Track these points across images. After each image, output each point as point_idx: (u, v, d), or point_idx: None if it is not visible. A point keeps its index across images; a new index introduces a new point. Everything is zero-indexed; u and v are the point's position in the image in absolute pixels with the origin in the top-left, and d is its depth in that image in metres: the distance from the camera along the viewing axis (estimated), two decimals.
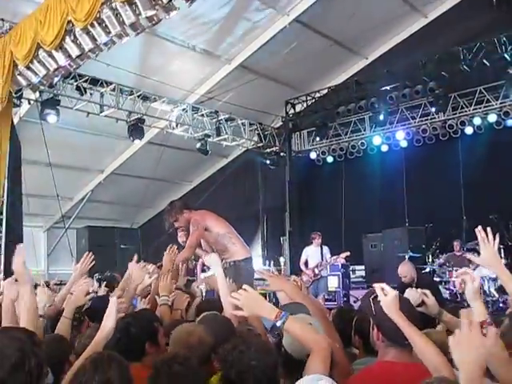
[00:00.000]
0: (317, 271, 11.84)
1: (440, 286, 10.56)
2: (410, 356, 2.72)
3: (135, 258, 4.74)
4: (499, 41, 11.69)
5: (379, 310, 2.73)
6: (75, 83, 11.51)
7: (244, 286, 2.85)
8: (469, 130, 13.13)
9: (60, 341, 3.34)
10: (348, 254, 11.70)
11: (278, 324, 2.71)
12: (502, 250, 11.87)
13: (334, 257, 11.82)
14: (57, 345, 3.21)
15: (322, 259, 11.90)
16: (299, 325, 2.74)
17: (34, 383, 2.17)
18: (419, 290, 3.39)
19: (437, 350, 2.52)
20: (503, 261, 11.87)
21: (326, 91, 14.95)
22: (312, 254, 12.14)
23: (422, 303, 3.28)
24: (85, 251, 14.87)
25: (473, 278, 2.83)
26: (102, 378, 2.30)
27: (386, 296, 2.69)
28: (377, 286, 2.77)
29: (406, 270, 7.87)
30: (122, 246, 14.23)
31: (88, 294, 4.10)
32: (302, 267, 12.12)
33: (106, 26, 7.41)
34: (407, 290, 3.44)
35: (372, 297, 2.82)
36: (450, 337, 2.04)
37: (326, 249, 12.21)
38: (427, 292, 3.36)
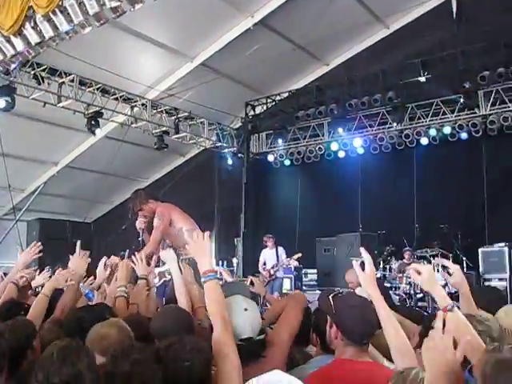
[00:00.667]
0: (272, 272, 12.08)
1: (390, 292, 10.73)
2: (367, 354, 2.76)
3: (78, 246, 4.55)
4: (458, 54, 11.99)
5: (339, 308, 2.76)
6: (33, 72, 11.25)
7: (206, 233, 2.99)
8: (424, 141, 13.40)
9: (25, 326, 3.11)
10: (300, 255, 11.88)
11: (202, 279, 2.84)
12: (451, 259, 12.19)
13: (288, 258, 12.04)
14: (21, 330, 3.00)
15: (278, 260, 12.14)
16: (216, 293, 2.79)
17: None
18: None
19: (405, 338, 2.58)
20: (451, 270, 12.16)
21: (286, 95, 15.05)
22: (268, 256, 12.41)
23: (370, 302, 3.34)
24: None
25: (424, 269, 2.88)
26: (71, 371, 2.14)
27: (365, 270, 2.87)
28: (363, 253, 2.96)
29: (352, 276, 7.97)
30: (74, 240, 13.89)
31: (70, 280, 4.03)
32: (261, 269, 12.36)
33: (68, 14, 7.27)
34: (357, 289, 3.49)
35: (331, 295, 2.85)
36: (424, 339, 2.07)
37: (281, 250, 12.42)
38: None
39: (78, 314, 3.39)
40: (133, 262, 4.56)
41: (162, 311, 3.65)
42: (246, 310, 2.79)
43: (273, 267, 12.14)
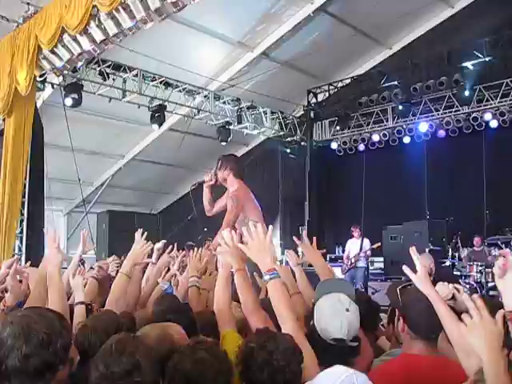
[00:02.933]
0: (353, 260, 12.40)
1: (460, 281, 10.48)
2: (435, 349, 2.68)
3: (160, 244, 4.56)
4: None
5: (406, 301, 2.70)
6: (98, 68, 11.53)
7: (258, 226, 2.91)
8: (493, 124, 12.92)
9: (113, 318, 3.15)
10: (379, 244, 12.28)
11: (265, 278, 2.79)
12: None
13: (367, 247, 12.46)
14: (108, 321, 3.05)
15: (361, 250, 12.49)
16: (280, 292, 2.75)
17: (57, 365, 2.17)
18: (451, 285, 3.34)
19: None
20: None
21: (348, 81, 14.85)
22: (353, 246, 12.74)
23: (452, 298, 3.24)
24: (105, 235, 14.97)
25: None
26: (130, 361, 2.20)
27: (418, 271, 2.67)
28: (412, 254, 2.74)
29: (425, 261, 7.85)
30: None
31: (149, 256, 4.00)
32: (345, 260, 12.73)
33: (130, 10, 7.39)
34: (438, 284, 3.39)
35: (399, 287, 2.79)
36: (461, 324, 2.10)
37: (366, 241, 12.70)
38: (460, 287, 3.32)
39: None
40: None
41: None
42: (347, 310, 2.71)
43: (354, 256, 12.38)
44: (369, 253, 12.53)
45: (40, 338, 2.06)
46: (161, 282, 4.49)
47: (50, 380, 2.15)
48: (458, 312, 3.24)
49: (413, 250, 2.77)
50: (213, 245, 5.29)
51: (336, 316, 2.63)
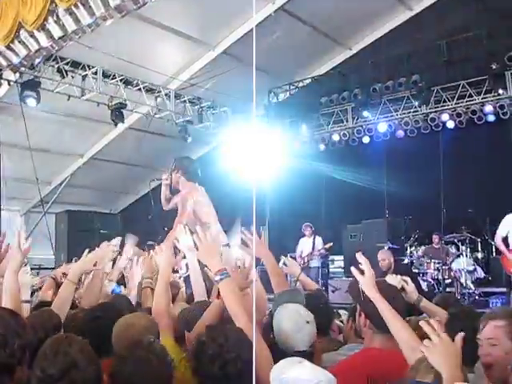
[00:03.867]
0: (306, 260, 12.34)
1: (418, 278, 10.67)
2: (396, 343, 2.73)
3: (115, 240, 4.56)
4: (483, 35, 11.77)
5: (367, 297, 2.74)
6: (56, 65, 11.34)
7: (207, 235, 3.08)
8: (450, 124, 13.17)
9: (50, 317, 3.16)
10: (331, 244, 12.05)
11: (216, 278, 2.86)
12: (479, 244, 12.06)
13: (320, 246, 12.39)
14: (47, 321, 3.05)
15: (313, 249, 12.42)
16: (232, 290, 2.81)
17: (14, 366, 2.12)
18: (399, 276, 3.42)
19: (413, 334, 2.56)
20: (479, 254, 12.06)
21: (309, 81, 14.93)
22: (305, 244, 12.74)
23: (402, 289, 3.31)
24: (64, 236, 14.72)
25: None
26: (66, 359, 2.19)
27: (364, 275, 2.80)
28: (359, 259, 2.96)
29: (385, 255, 8.07)
30: (101, 231, 14.09)
31: (95, 265, 3.95)
32: (298, 258, 12.47)
33: (90, 7, 7.27)
34: (387, 276, 3.47)
35: None
36: (421, 346, 2.27)
37: (318, 239, 12.69)
38: (407, 279, 3.40)
39: (95, 312, 3.38)
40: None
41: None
42: (307, 322, 2.77)
43: (307, 255, 12.36)
44: (322, 251, 12.51)
45: None
46: (107, 283, 4.45)
47: (10, 381, 2.10)
48: (409, 303, 3.32)
49: (360, 256, 2.89)
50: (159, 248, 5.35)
51: (298, 330, 2.71)
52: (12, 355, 2.06)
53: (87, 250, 4.03)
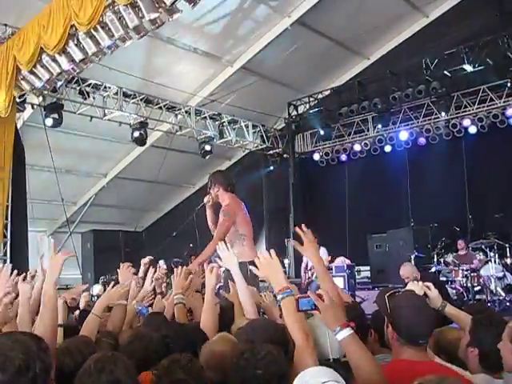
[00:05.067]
0: (310, 274, 11.85)
1: (447, 286, 10.53)
2: (425, 354, 2.70)
3: (146, 259, 4.61)
4: (501, 39, 11.68)
5: (394, 308, 2.72)
6: (78, 87, 11.51)
7: (271, 251, 2.99)
8: (472, 129, 13.07)
9: (85, 343, 3.14)
10: (329, 258, 11.57)
11: (279, 297, 2.79)
12: (508, 249, 11.88)
13: (324, 257, 11.48)
14: (84, 348, 3.02)
15: None
16: (294, 310, 2.72)
17: None
18: (420, 282, 3.38)
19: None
20: (508, 260, 11.87)
21: (328, 92, 14.95)
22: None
23: (425, 296, 3.27)
24: (90, 255, 14.84)
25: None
26: (110, 378, 2.21)
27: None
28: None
29: (407, 271, 7.97)
30: (126, 250, 14.21)
31: (125, 298, 3.97)
32: (302, 271, 12.22)
33: (109, 29, 7.40)
34: (409, 283, 3.44)
35: (387, 294, 2.81)
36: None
37: (322, 250, 12.02)
38: (429, 285, 3.35)
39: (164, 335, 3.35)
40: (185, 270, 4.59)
41: (250, 324, 3.44)
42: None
43: (311, 269, 11.72)
44: (327, 263, 11.50)
45: (17, 364, 2.01)
46: (135, 304, 4.45)
47: None
48: (434, 308, 3.28)
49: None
50: (193, 265, 5.38)
51: (322, 338, 2.72)
52: (34, 379, 2.05)
53: (112, 284, 4.09)
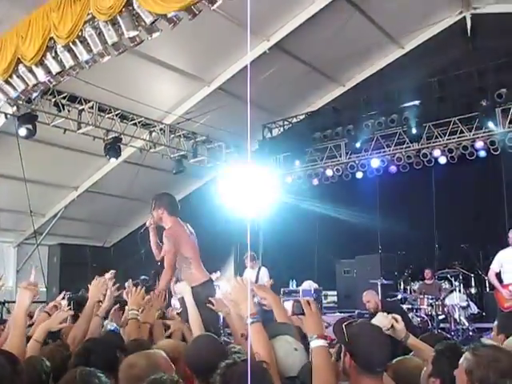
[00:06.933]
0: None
1: (411, 314, 10.65)
2: (381, 383, 2.75)
3: (108, 274, 4.66)
4: (473, 73, 12.00)
5: (352, 337, 2.77)
6: (53, 99, 11.46)
7: (243, 279, 3.39)
8: (442, 160, 13.31)
9: (38, 362, 3.19)
10: (271, 282, 11.06)
11: (248, 322, 3.01)
12: (472, 279, 12.08)
13: (265, 279, 11.55)
14: (33, 368, 3.10)
15: (257, 282, 11.22)
16: (263, 335, 2.95)
17: None
18: (390, 315, 3.45)
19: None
20: (473, 290, 12.07)
21: (303, 116, 15.12)
22: (248, 277, 11.60)
23: (391, 327, 3.35)
24: (56, 269, 14.63)
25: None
26: None
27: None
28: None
29: (369, 297, 8.09)
30: (93, 265, 14.05)
31: (64, 321, 3.98)
32: None
33: (87, 44, 7.40)
34: (378, 314, 3.50)
35: (345, 323, 2.86)
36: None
37: (263, 271, 11.85)
38: (398, 317, 3.44)
39: (86, 345, 3.45)
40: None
41: (195, 340, 3.63)
42: (295, 349, 2.93)
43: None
44: (268, 285, 10.75)
45: None
46: (108, 323, 4.54)
47: None
48: (398, 340, 3.35)
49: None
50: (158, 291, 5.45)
51: (287, 357, 2.79)
52: None
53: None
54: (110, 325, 4.55)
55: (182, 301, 5.88)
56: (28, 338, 3.64)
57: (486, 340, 4.28)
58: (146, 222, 6.76)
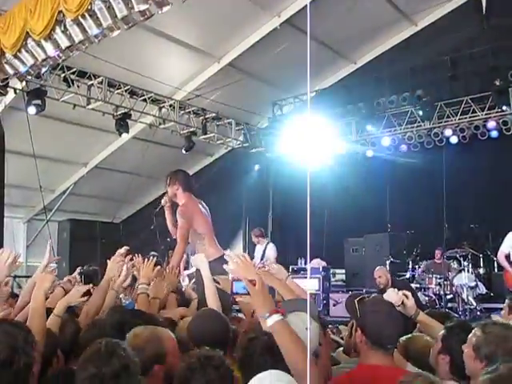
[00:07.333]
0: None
1: (419, 293, 10.65)
2: (391, 360, 2.73)
3: (122, 250, 4.61)
4: (487, 51, 11.84)
5: (363, 313, 2.75)
6: (63, 74, 11.39)
7: (245, 255, 3.08)
8: (454, 140, 13.22)
9: (48, 335, 3.22)
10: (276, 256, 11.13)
11: (274, 319, 2.71)
12: (481, 260, 12.04)
13: (272, 256, 11.44)
14: (45, 339, 3.12)
15: (262, 260, 11.07)
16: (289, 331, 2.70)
17: (20, 383, 2.13)
18: (400, 292, 3.43)
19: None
20: (481, 270, 12.03)
21: (313, 94, 14.99)
22: (256, 253, 11.60)
23: (402, 304, 3.33)
24: (66, 244, 14.67)
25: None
26: (121, 362, 2.33)
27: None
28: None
29: (381, 272, 8.10)
30: (103, 241, 14.11)
31: (84, 295, 3.95)
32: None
33: (97, 18, 7.30)
34: (389, 290, 3.48)
35: (357, 299, 2.84)
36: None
37: (270, 246, 11.64)
38: (408, 293, 3.42)
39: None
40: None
41: (199, 314, 3.67)
42: (306, 329, 2.80)
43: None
44: (274, 261, 10.36)
45: (1, 358, 2.03)
46: (122, 298, 4.53)
47: None
48: (407, 315, 3.34)
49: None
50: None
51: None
52: (17, 373, 2.07)
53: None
54: (125, 299, 4.55)
55: (192, 275, 5.90)
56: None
57: (496, 317, 4.26)
58: (162, 201, 6.79)
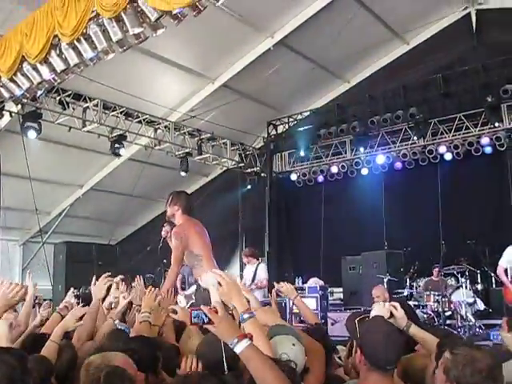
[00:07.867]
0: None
1: (418, 310, 10.60)
2: (391, 381, 2.72)
3: (117, 279, 4.63)
4: (478, 68, 11.96)
5: (363, 333, 2.74)
6: (58, 97, 11.46)
7: (230, 275, 3.04)
8: (448, 156, 13.29)
9: (42, 362, 3.18)
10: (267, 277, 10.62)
11: (245, 316, 2.81)
12: (479, 275, 12.02)
13: (263, 277, 10.70)
14: (39, 366, 3.10)
15: (253, 281, 10.63)
16: (259, 327, 2.83)
17: None
18: (387, 303, 3.40)
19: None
20: (479, 286, 12.01)
21: (307, 113, 15.08)
22: (246, 273, 11.02)
23: (391, 316, 3.29)
24: (62, 267, 14.63)
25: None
26: None
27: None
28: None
29: (379, 292, 8.06)
30: (99, 263, 14.04)
31: (80, 319, 3.96)
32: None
33: (92, 41, 7.38)
34: (374, 306, 3.45)
35: (357, 319, 2.83)
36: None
37: (261, 267, 10.94)
38: (396, 304, 3.38)
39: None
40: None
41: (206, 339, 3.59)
42: (293, 345, 2.83)
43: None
44: (264, 283, 10.46)
45: None
46: (118, 324, 4.48)
47: None
48: (399, 328, 3.32)
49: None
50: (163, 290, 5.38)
51: (284, 351, 2.76)
52: None
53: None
54: (120, 325, 4.50)
55: (190, 296, 5.86)
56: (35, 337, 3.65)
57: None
58: (162, 233, 6.81)
